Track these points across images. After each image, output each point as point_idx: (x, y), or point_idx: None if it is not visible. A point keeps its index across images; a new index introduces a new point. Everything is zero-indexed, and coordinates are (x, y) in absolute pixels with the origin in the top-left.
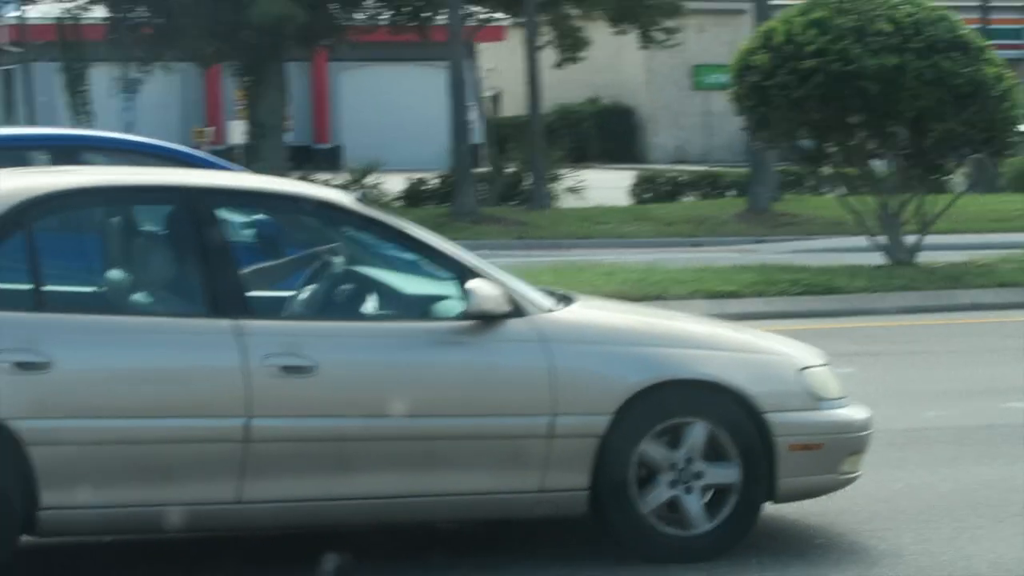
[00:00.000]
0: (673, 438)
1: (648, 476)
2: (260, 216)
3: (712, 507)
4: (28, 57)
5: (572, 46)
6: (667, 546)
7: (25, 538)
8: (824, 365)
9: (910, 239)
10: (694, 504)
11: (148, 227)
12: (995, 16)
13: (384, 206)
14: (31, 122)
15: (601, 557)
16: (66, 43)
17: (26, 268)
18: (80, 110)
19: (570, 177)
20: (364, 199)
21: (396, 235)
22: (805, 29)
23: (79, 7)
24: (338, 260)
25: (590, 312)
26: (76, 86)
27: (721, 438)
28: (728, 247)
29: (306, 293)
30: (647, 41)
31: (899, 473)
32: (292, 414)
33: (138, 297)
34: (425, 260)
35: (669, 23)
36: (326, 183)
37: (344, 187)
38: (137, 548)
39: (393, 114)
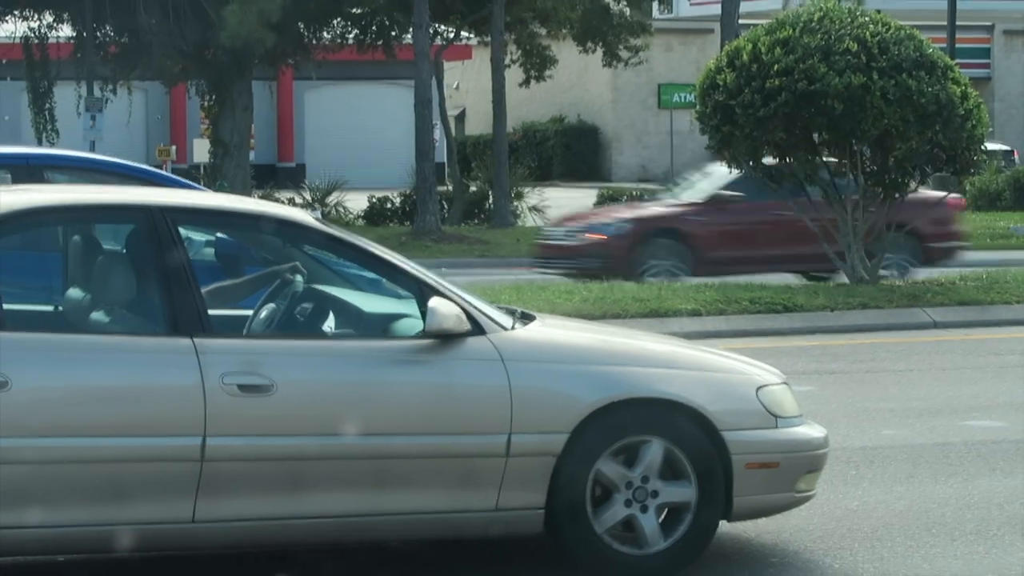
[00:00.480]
0: (629, 457)
1: (603, 495)
2: (221, 234)
3: (667, 526)
4: None
5: (538, 65)
6: (621, 565)
7: None
8: (782, 384)
9: (871, 258)
10: (649, 523)
11: (109, 246)
12: (962, 36)
13: (345, 225)
14: None
15: (548, 574)
16: (32, 62)
17: None
18: (45, 128)
19: (533, 195)
20: (323, 218)
21: (357, 253)
22: (771, 48)
23: (46, 26)
24: (298, 278)
25: (549, 331)
26: (41, 105)
27: (678, 456)
28: None
29: (266, 311)
30: (613, 59)
31: (854, 491)
32: (249, 433)
33: (98, 315)
34: (385, 278)
35: (635, 42)
36: (289, 202)
37: (306, 206)
38: (88, 566)
39: (357, 133)
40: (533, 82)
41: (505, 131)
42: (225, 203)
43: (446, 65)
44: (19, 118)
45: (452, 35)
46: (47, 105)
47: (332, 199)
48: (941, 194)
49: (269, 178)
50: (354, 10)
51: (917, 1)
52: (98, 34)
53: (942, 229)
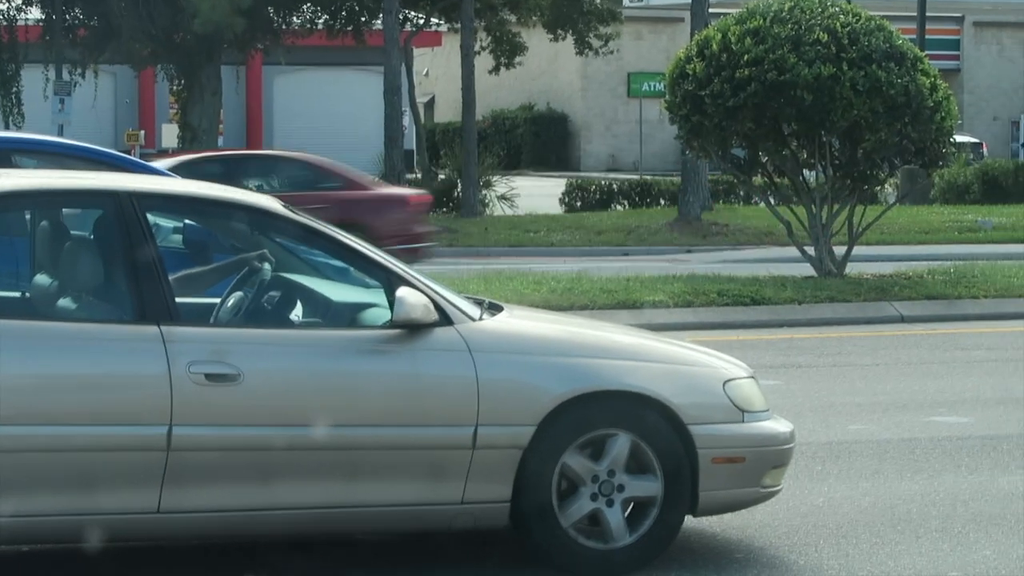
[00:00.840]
0: (596, 450)
1: (570, 488)
2: (190, 221)
3: (633, 520)
4: None
5: (508, 52)
6: (587, 559)
7: None
8: (749, 377)
9: (839, 250)
10: (615, 517)
11: (77, 232)
12: (932, 27)
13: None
14: None
15: (519, 571)
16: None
17: None
18: (11, 112)
19: (502, 184)
20: (290, 206)
21: (326, 242)
22: (741, 38)
23: (14, 8)
24: (266, 267)
25: (517, 322)
26: (8, 88)
27: (644, 450)
28: (658, 256)
29: (233, 300)
30: (583, 47)
31: (820, 487)
32: (215, 423)
33: (65, 302)
34: (354, 267)
35: (605, 30)
36: (256, 188)
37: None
38: (55, 557)
39: (326, 119)
40: (503, 69)
41: (474, 120)
42: (194, 189)
43: (416, 51)
44: None
45: (422, 21)
46: (14, 88)
47: None
48: (402, 192)
49: None
50: None
51: None
52: (67, 17)
53: (400, 229)
